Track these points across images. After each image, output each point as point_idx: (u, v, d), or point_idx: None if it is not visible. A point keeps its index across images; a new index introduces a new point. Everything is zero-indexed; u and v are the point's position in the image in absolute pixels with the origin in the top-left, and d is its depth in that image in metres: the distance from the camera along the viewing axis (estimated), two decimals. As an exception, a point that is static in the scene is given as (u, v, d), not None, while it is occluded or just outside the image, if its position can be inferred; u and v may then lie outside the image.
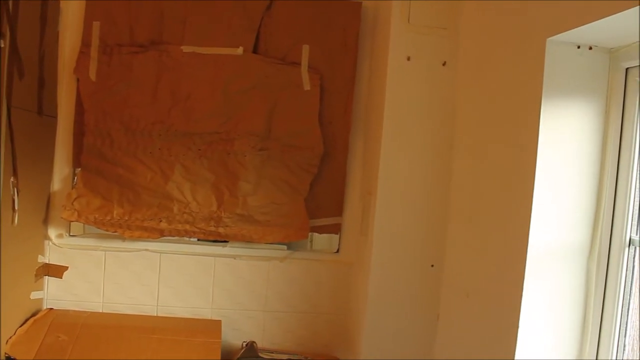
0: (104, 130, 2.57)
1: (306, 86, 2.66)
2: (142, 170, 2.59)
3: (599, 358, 1.92)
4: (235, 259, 2.76)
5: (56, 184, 2.64)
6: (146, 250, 2.71)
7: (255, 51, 2.64)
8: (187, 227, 2.64)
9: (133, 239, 2.64)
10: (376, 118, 2.56)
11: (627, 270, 1.85)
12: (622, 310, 1.86)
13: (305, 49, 2.66)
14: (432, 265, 2.51)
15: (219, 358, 2.38)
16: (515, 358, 1.90)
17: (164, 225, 2.62)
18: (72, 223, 2.64)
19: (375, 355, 2.53)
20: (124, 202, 2.59)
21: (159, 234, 2.63)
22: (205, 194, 2.63)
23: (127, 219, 2.59)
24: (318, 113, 2.66)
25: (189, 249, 2.74)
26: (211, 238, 2.70)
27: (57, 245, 2.65)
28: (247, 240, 2.68)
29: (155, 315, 2.73)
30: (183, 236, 2.67)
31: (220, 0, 2.60)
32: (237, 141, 2.62)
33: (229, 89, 2.61)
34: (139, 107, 2.58)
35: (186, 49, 2.59)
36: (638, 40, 1.73)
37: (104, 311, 2.70)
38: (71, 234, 2.67)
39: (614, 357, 1.88)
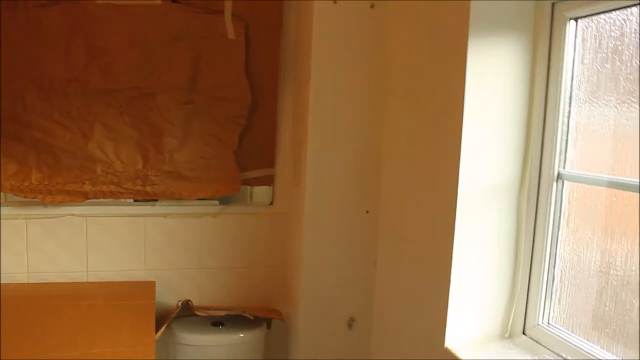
0: (14, 91, 2.40)
1: (231, 35, 2.55)
2: (60, 131, 2.45)
3: (530, 290, 1.98)
4: (165, 217, 2.67)
5: (-35, 151, 2.46)
6: (71, 215, 2.58)
7: (174, 0, 2.49)
8: (113, 188, 2.53)
9: (55, 204, 2.51)
10: (304, 65, 2.49)
11: (555, 203, 1.89)
12: (551, 243, 1.91)
13: (228, -4, 2.55)
14: (367, 212, 2.51)
15: (154, 319, 2.31)
16: (450, 295, 1.93)
17: (87, 187, 2.50)
18: (-13, 192, 2.47)
19: (314, 304, 2.53)
20: (42, 166, 2.45)
21: (83, 197, 2.51)
22: (129, 152, 2.52)
23: (47, 183, 2.45)
24: (244, 63, 2.56)
25: (116, 211, 2.62)
26: (139, 198, 2.59)
27: (-27, 216, 2.49)
28: (177, 197, 2.60)
29: (86, 281, 2.62)
30: (109, 198, 2.55)
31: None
32: (160, 95, 2.51)
33: (148, 42, 2.47)
34: (51, 64, 2.41)
35: (100, 0, 2.42)
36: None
37: (30, 282, 2.57)
38: (-13, 204, 2.51)
39: (544, 289, 1.94)
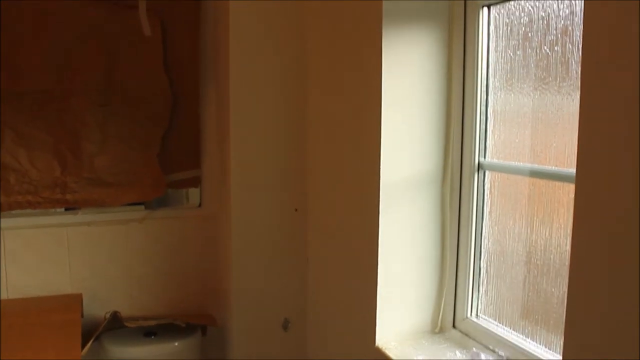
0: None
1: (147, 31, 2.43)
2: (-36, 140, 2.31)
3: (458, 283, 1.95)
4: (89, 225, 2.54)
5: None
6: (-15, 228, 2.43)
7: (85, -5, 2.37)
8: (30, 197, 2.40)
9: (-34, 217, 2.36)
10: (224, 61, 2.40)
11: (478, 193, 1.86)
12: (476, 235, 1.88)
13: (141, -9, 2.43)
14: (296, 210, 2.44)
15: (79, 335, 2.19)
16: (378, 292, 1.89)
17: (1, 198, 2.36)
18: None
19: (248, 307, 2.46)
20: (-53, 178, 2.30)
21: (-4, 209, 2.37)
22: (45, 159, 2.39)
23: (-45, 196, 2.31)
24: (163, 60, 2.46)
25: (35, 222, 2.47)
26: (59, 207, 2.46)
27: None
28: (100, 204, 2.48)
29: (6, 298, 2.47)
30: (26, 208, 2.41)
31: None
32: (75, 98, 2.39)
33: (58, 40, 2.35)
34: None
35: (-1, -6, 2.28)
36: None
37: (-56, 301, 2.42)
38: None
39: (471, 281, 1.91)
